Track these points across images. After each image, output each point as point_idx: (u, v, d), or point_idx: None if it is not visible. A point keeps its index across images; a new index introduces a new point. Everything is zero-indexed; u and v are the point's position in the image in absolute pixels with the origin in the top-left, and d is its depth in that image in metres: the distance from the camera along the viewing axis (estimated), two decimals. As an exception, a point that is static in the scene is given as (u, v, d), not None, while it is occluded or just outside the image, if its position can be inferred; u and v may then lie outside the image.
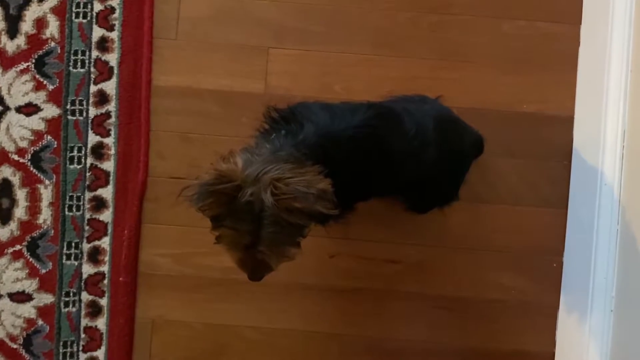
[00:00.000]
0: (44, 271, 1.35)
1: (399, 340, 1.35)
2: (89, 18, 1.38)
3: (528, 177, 1.37)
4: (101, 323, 1.34)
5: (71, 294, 1.35)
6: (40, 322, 1.34)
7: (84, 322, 1.35)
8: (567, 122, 1.37)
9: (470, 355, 1.35)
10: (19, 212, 1.36)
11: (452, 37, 1.39)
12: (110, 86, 1.37)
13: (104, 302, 1.35)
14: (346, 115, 1.02)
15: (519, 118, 1.37)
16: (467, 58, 1.38)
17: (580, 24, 1.38)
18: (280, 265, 1.38)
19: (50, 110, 1.37)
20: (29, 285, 1.35)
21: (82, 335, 1.34)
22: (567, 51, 1.38)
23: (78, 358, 1.34)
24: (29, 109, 1.37)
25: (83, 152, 1.36)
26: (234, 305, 1.35)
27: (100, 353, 1.34)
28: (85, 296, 1.35)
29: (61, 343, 1.34)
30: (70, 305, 1.35)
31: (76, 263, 1.35)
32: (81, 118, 1.37)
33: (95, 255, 1.35)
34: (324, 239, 1.36)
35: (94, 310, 1.35)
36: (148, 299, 1.36)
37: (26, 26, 1.38)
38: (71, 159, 1.36)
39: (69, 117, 1.37)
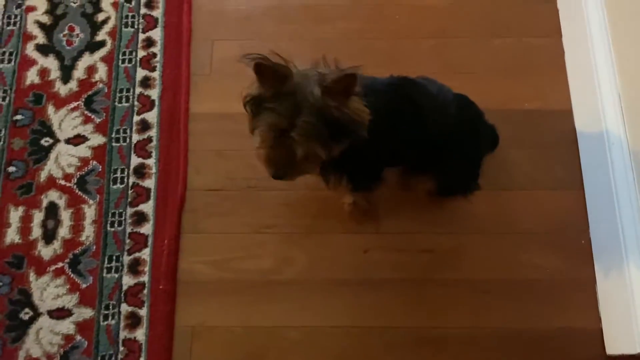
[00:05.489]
0: (84, 286, 1.37)
1: (442, 327, 1.33)
2: (133, 63, 1.58)
3: (541, 163, 1.46)
4: (140, 334, 1.33)
5: (110, 307, 1.35)
6: (78, 337, 1.33)
7: (123, 334, 1.33)
8: (566, 113, 1.51)
9: (516, 337, 1.31)
10: (63, 231, 1.41)
11: (451, 55, 1.59)
12: (151, 116, 1.53)
13: (143, 312, 1.34)
14: (378, 79, 1.19)
15: (522, 115, 1.51)
16: (467, 70, 1.57)
17: (561, 36, 1.59)
18: (313, 257, 1.42)
19: (97, 139, 1.50)
20: (69, 301, 1.35)
21: (121, 348, 1.32)
22: (554, 58, 1.57)
23: (116, 373, 1.30)
24: (77, 140, 1.50)
25: (126, 172, 1.47)
26: (273, 306, 1.35)
27: (139, 365, 1.31)
28: (124, 308, 1.35)
29: (99, 357, 1.31)
30: (110, 318, 1.34)
31: (116, 275, 1.37)
32: (124, 144, 1.50)
33: (135, 267, 1.38)
34: (356, 235, 1.41)
35: (134, 321, 1.34)
36: (188, 307, 1.36)
37: (78, 73, 1.57)
38: (114, 180, 1.46)
39: (114, 144, 1.50)
